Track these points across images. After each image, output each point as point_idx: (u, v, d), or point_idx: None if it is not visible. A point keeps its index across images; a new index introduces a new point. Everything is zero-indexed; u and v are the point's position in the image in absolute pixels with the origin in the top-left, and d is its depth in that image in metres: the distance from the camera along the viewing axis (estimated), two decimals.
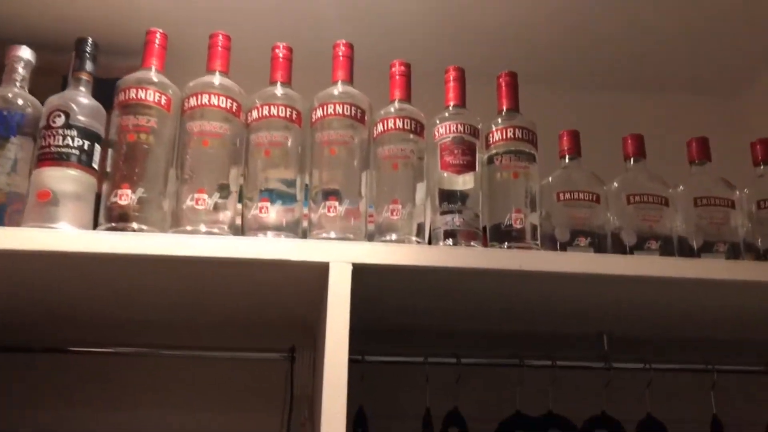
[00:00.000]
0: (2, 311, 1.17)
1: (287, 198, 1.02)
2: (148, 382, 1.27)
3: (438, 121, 1.08)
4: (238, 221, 1.02)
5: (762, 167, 1.17)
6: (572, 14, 1.43)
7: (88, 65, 1.05)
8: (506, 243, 1.03)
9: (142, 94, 1.01)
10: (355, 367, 1.00)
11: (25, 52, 1.06)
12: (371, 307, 1.09)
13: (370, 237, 1.02)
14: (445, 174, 1.05)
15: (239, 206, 1.03)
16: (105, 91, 1.05)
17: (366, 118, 1.06)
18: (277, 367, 1.19)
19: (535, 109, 1.14)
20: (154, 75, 1.04)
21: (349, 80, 1.08)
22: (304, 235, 1.02)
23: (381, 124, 1.06)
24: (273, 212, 1.00)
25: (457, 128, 1.06)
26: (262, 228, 0.99)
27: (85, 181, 0.98)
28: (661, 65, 1.58)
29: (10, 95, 1.02)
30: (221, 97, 1.02)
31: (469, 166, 1.05)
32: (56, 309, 1.18)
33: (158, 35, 1.07)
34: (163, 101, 1.02)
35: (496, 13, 1.43)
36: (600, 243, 1.08)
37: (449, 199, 1.04)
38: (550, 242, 1.08)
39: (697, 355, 1.24)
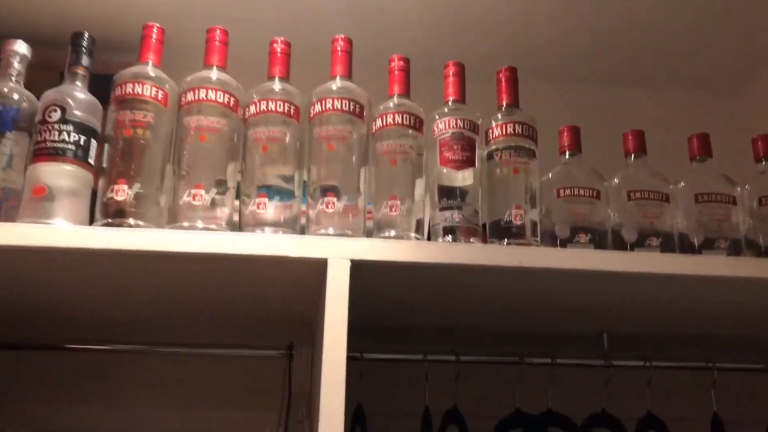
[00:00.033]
0: None
1: (285, 194, 1.01)
2: (145, 379, 1.26)
3: (437, 117, 1.08)
4: (236, 217, 1.01)
5: (763, 163, 1.16)
6: (572, 10, 1.42)
7: (84, 60, 1.04)
8: (506, 239, 1.02)
9: (138, 88, 1.00)
10: (354, 364, 1.00)
11: (21, 47, 1.05)
12: (370, 303, 1.09)
13: (368, 233, 1.02)
14: (445, 170, 1.05)
15: (237, 203, 1.02)
16: (102, 86, 1.04)
17: (365, 113, 1.05)
18: (275, 365, 1.18)
19: (535, 106, 1.13)
20: (151, 70, 1.03)
21: (348, 75, 1.08)
22: (302, 231, 1.01)
23: (380, 120, 1.05)
24: (271, 208, 0.99)
25: (456, 124, 1.06)
26: (260, 224, 0.98)
27: (81, 177, 0.97)
28: (662, 62, 1.58)
29: (5, 90, 1.01)
30: (219, 92, 1.02)
31: (468, 162, 1.05)
32: (52, 306, 1.18)
33: (155, 29, 1.06)
34: (160, 96, 1.01)
35: (495, 8, 1.42)
36: (600, 240, 1.08)
37: (448, 195, 1.04)
38: (550, 239, 1.08)
39: (697, 353, 1.24)
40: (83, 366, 1.24)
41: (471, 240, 1.01)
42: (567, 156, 1.16)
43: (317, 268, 0.93)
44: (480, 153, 1.07)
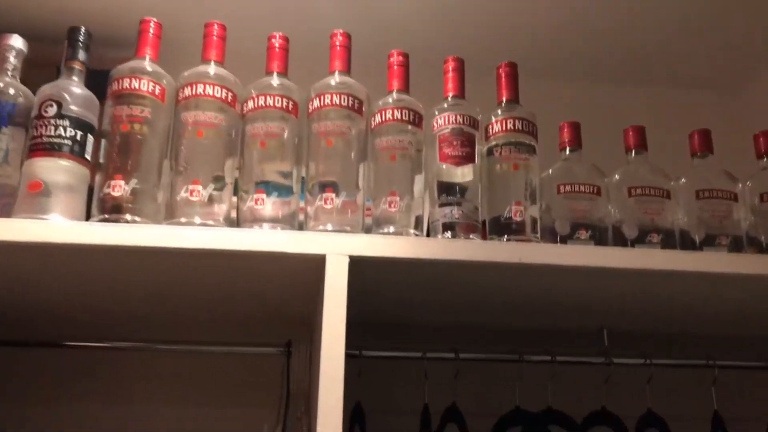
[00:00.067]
0: None
1: (283, 190, 1.00)
2: (143, 376, 1.25)
3: (437, 112, 1.07)
4: (234, 214, 1.01)
5: (765, 159, 1.15)
6: (573, 7, 1.42)
7: (81, 54, 1.03)
8: (506, 236, 1.02)
9: (135, 83, 1.00)
10: (353, 362, 1.00)
11: (17, 41, 1.04)
12: (368, 300, 1.08)
13: (367, 230, 1.01)
14: (444, 166, 1.04)
15: (234, 199, 1.02)
16: (98, 82, 1.03)
17: (363, 108, 1.04)
18: (274, 362, 1.17)
19: (536, 104, 1.12)
20: (148, 64, 1.02)
21: (347, 70, 1.07)
22: (301, 228, 1.00)
23: (379, 115, 1.05)
24: (269, 204, 0.99)
25: (456, 119, 1.05)
26: (258, 220, 0.98)
27: (77, 172, 0.97)
28: (663, 60, 1.57)
29: (1, 85, 1.00)
30: (216, 87, 1.01)
31: (468, 158, 1.04)
32: (50, 303, 1.17)
33: (152, 24, 1.05)
34: (157, 91, 1.00)
35: (495, 4, 1.41)
36: (601, 236, 1.07)
37: (448, 191, 1.03)
38: (551, 235, 1.07)
39: (698, 351, 1.23)
40: (81, 363, 1.23)
41: (470, 236, 1.01)
42: (567, 152, 1.15)
43: (315, 265, 0.93)
44: (480, 149, 1.06)
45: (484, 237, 1.03)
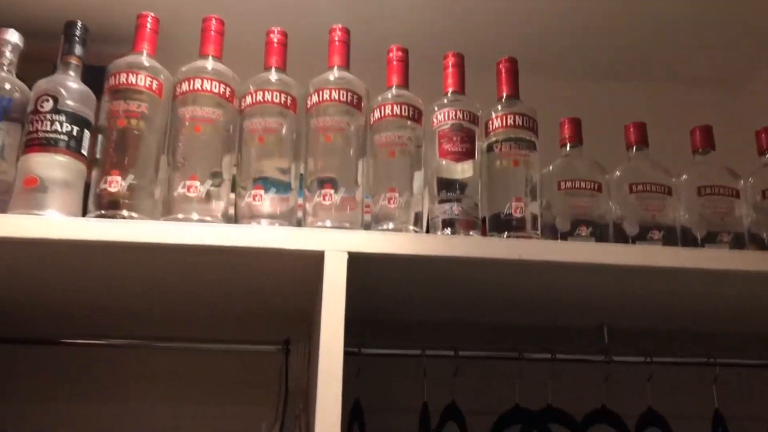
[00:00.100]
0: None
1: (282, 186, 1.00)
2: (141, 373, 1.25)
3: (436, 108, 1.06)
4: (231, 211, 1.00)
5: (767, 156, 1.15)
6: (573, 3, 1.41)
7: (78, 49, 1.02)
8: (506, 233, 1.01)
9: (132, 78, 0.99)
10: (351, 359, 1.00)
11: (13, 36, 1.03)
12: (367, 297, 1.08)
13: (366, 227, 1.00)
14: (444, 162, 1.03)
15: (232, 195, 1.01)
16: (95, 78, 1.03)
17: (363, 104, 1.03)
18: (272, 360, 1.17)
19: (536, 100, 1.12)
20: (145, 59, 1.02)
21: (346, 66, 1.06)
22: (299, 224, 1.00)
23: (378, 111, 1.04)
24: (267, 201, 0.98)
25: (455, 115, 1.04)
26: (256, 216, 0.97)
27: (73, 168, 0.96)
28: (664, 58, 1.56)
29: None
30: (214, 82, 1.00)
31: (468, 154, 1.03)
32: (46, 299, 1.16)
33: (150, 19, 1.04)
34: (154, 86, 0.99)
35: (496, 0, 1.40)
36: (602, 233, 1.06)
37: (448, 187, 1.02)
38: (551, 232, 1.06)
39: (699, 349, 1.22)
40: (78, 360, 1.22)
41: (470, 233, 1.00)
42: (568, 148, 1.14)
43: (314, 261, 0.92)
44: (480, 145, 1.06)
45: (484, 234, 1.02)
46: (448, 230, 1.00)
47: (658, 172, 1.11)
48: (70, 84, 0.99)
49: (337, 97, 1.01)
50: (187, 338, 1.19)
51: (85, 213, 0.95)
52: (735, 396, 1.23)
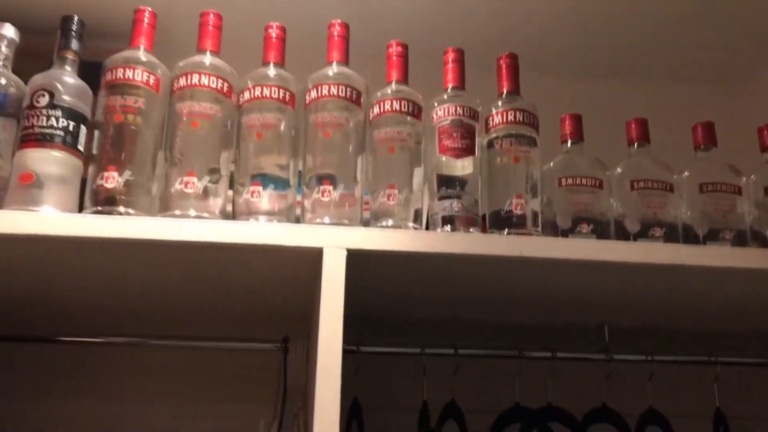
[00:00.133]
0: None
1: (280, 183, 0.99)
2: (138, 371, 1.24)
3: (436, 104, 1.05)
4: (229, 208, 0.99)
5: None
6: (575, 1, 1.40)
7: (74, 44, 1.01)
8: (506, 229, 1.00)
9: (129, 73, 0.98)
10: (350, 358, 0.99)
11: (9, 31, 1.02)
12: (367, 295, 1.07)
13: (365, 224, 1.00)
14: (444, 158, 1.02)
15: (230, 192, 1.00)
16: (92, 74, 1.02)
17: (362, 99, 1.02)
18: (271, 358, 1.16)
19: (536, 97, 1.11)
20: (142, 54, 1.01)
21: (345, 61, 1.05)
22: (298, 221, 0.99)
23: (377, 106, 1.03)
24: (265, 197, 0.97)
25: (455, 111, 1.03)
26: (254, 213, 0.96)
27: (70, 164, 0.95)
28: (664, 54, 1.55)
29: None
30: (212, 77, 0.99)
31: (468, 150, 1.02)
32: (43, 296, 1.15)
33: (147, 13, 1.03)
34: (151, 81, 0.99)
35: None
36: (603, 230, 1.06)
37: (447, 184, 1.01)
38: (552, 229, 1.06)
39: (700, 347, 1.22)
40: (74, 358, 1.22)
41: (470, 230, 0.99)
42: (569, 144, 1.13)
43: (313, 258, 0.91)
44: (480, 141, 1.05)
45: (484, 231, 1.02)
46: (448, 227, 0.99)
47: (660, 168, 1.11)
48: (67, 79, 0.98)
49: (336, 93, 1.00)
50: (185, 336, 1.18)
51: (81, 209, 0.94)
52: (736, 395, 1.23)
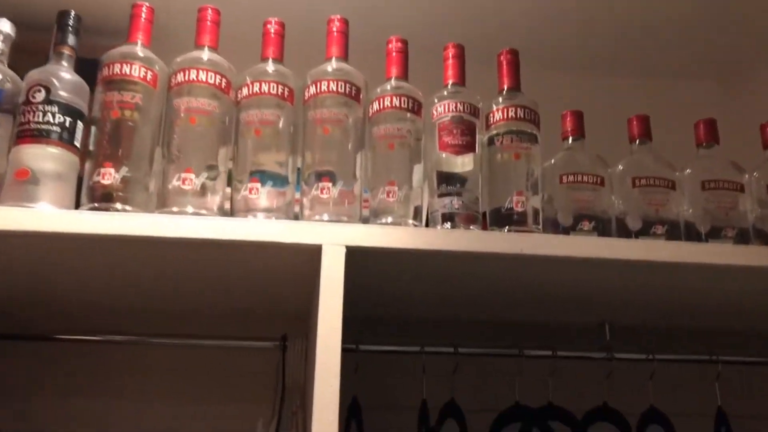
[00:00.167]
0: None
1: (278, 180, 0.98)
2: (136, 370, 1.23)
3: (436, 100, 1.05)
4: (227, 205, 0.98)
5: None
6: None
7: (71, 39, 1.00)
8: (507, 227, 0.99)
9: (127, 69, 0.97)
10: (349, 356, 0.98)
11: (5, 25, 1.01)
12: (366, 293, 1.06)
13: (365, 221, 0.99)
14: (444, 155, 1.02)
15: (228, 190, 0.99)
16: (89, 71, 1.01)
17: (361, 95, 1.02)
18: (269, 356, 1.15)
19: (538, 93, 1.10)
20: (140, 50, 1.00)
21: (344, 57, 1.04)
22: (296, 219, 0.98)
23: (377, 103, 1.02)
24: (263, 194, 0.96)
25: (456, 107, 1.02)
26: (252, 210, 0.95)
27: (66, 160, 0.94)
28: (667, 49, 1.54)
29: None
30: (210, 73, 0.98)
31: (468, 147, 1.02)
32: (39, 293, 1.15)
33: (144, 8, 1.02)
34: (149, 77, 0.98)
35: None
36: (604, 227, 1.05)
37: (448, 181, 1.01)
38: (553, 227, 1.05)
39: (701, 346, 1.21)
40: (71, 357, 1.21)
41: (470, 227, 0.98)
42: (570, 141, 1.12)
43: (311, 255, 0.90)
44: (480, 138, 1.04)
45: (484, 228, 1.01)
46: (448, 224, 0.98)
47: (662, 165, 1.10)
48: (63, 74, 0.97)
49: (335, 89, 1.00)
50: (183, 334, 1.17)
51: (77, 206, 0.93)
52: (737, 393, 1.22)
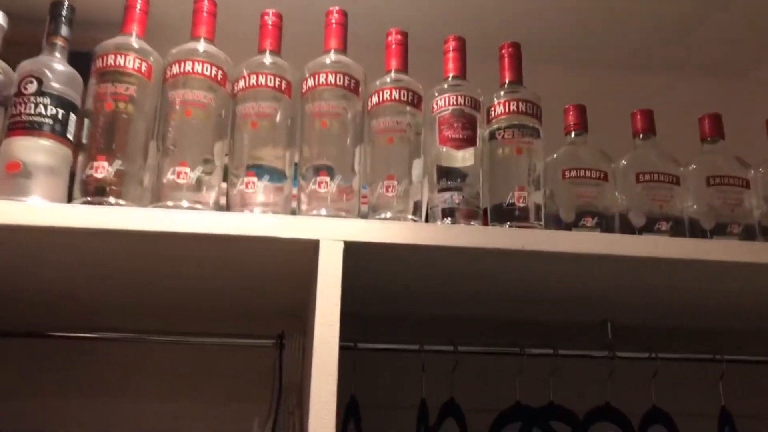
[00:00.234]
0: None
1: (275, 174, 0.96)
2: (132, 368, 1.22)
3: (436, 93, 1.03)
4: (223, 200, 0.97)
5: None
6: None
7: (64, 30, 0.99)
8: (508, 223, 0.98)
9: (121, 60, 0.95)
10: (348, 354, 0.97)
11: None
12: (364, 290, 1.05)
13: (363, 216, 0.97)
14: (444, 149, 1.00)
15: (224, 185, 0.97)
16: (82, 64, 0.99)
17: (360, 88, 1.00)
18: (266, 355, 1.14)
19: (541, 87, 1.08)
20: (134, 41, 0.98)
21: (343, 49, 1.03)
22: (294, 214, 0.96)
23: (376, 96, 1.01)
24: (260, 188, 0.94)
25: (456, 100, 1.01)
26: (248, 205, 0.94)
27: (58, 153, 0.92)
28: (671, 43, 1.53)
29: None
30: (205, 65, 0.97)
31: (469, 141, 1.00)
32: (32, 289, 1.13)
33: None
34: (143, 68, 0.96)
35: None
36: (607, 224, 1.03)
37: (448, 175, 0.99)
38: (555, 223, 1.03)
39: (705, 345, 1.20)
40: (66, 354, 1.20)
41: (471, 223, 0.97)
42: (573, 136, 1.11)
43: (309, 250, 0.89)
44: (481, 132, 1.02)
45: (485, 224, 0.99)
46: (448, 220, 0.97)
47: (666, 161, 1.08)
48: (56, 65, 0.95)
49: (333, 81, 0.98)
50: (178, 332, 1.16)
51: (70, 200, 0.92)
52: (740, 393, 1.20)
